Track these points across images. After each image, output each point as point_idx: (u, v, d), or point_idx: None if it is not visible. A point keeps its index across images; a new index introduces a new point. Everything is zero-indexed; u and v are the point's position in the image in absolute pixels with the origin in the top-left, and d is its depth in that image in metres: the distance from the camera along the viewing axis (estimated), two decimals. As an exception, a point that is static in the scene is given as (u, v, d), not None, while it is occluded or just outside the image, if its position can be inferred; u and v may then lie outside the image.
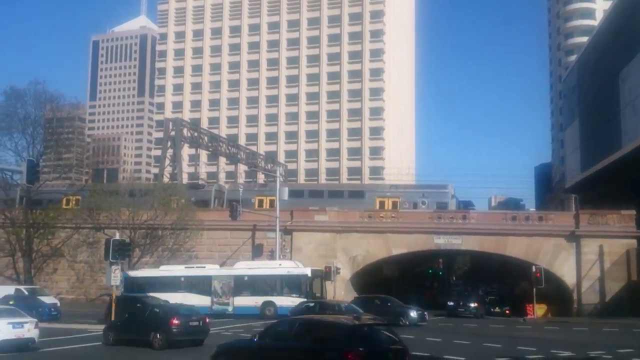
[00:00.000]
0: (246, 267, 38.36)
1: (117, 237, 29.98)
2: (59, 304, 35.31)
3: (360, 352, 11.95)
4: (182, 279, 38.07)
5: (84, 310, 38.57)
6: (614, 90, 52.01)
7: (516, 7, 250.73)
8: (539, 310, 39.60)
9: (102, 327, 24.30)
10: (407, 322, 31.71)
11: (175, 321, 21.23)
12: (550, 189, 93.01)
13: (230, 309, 36.68)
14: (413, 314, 32.89)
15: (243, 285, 37.17)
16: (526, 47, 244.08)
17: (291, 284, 36.20)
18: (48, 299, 35.32)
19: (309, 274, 36.06)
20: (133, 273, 39.01)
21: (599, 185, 55.47)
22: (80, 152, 67.37)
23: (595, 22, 75.82)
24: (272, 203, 51.27)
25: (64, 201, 48.34)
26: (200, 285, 37.78)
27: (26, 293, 34.83)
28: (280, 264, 38.30)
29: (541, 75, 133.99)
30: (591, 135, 59.58)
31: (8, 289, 34.44)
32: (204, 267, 39.70)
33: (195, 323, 22.27)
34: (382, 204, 51.73)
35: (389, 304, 34.03)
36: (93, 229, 42.05)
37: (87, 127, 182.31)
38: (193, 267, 39.76)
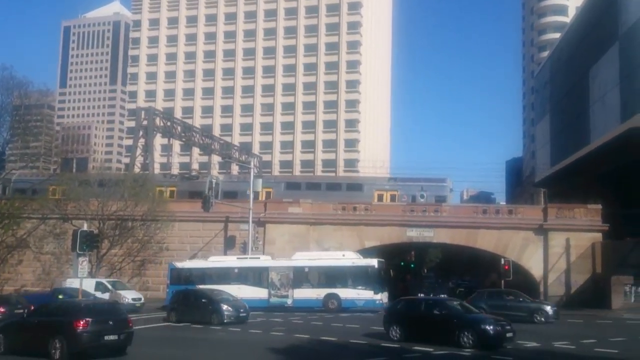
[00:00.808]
0: (306, 258, 36.95)
1: (85, 228, 29.43)
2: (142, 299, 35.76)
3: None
4: (236, 270, 36.61)
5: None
6: (584, 86, 52.93)
7: (492, 3, 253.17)
8: (507, 302, 40.16)
9: None
10: (543, 319, 29.02)
11: None
12: (520, 183, 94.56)
13: (289, 301, 35.43)
14: (549, 309, 29.93)
15: (303, 276, 35.80)
16: (502, 42, 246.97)
17: (356, 275, 34.66)
18: (129, 293, 35.64)
19: (376, 265, 34.62)
20: (180, 264, 37.95)
21: (568, 179, 56.58)
22: (49, 140, 65.62)
23: (568, 19, 77.02)
24: (268, 195, 51.32)
25: (50, 191, 47.42)
26: (255, 277, 36.34)
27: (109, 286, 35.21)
28: (343, 255, 36.54)
29: (515, 71, 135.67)
30: (561, 131, 60.63)
31: (90, 282, 33.21)
32: (259, 257, 38.49)
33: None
34: (380, 197, 50.97)
35: (520, 300, 30.87)
36: (60, 220, 41.20)
37: (56, 115, 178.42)
38: (246, 258, 38.46)
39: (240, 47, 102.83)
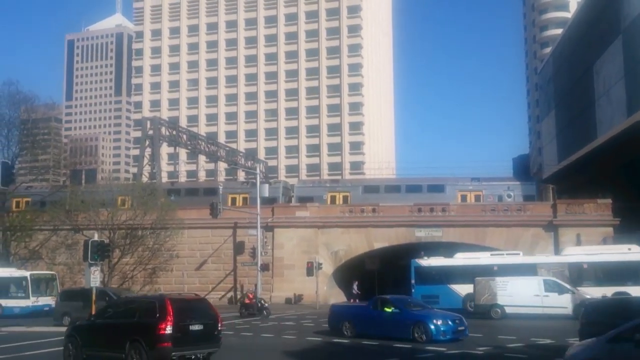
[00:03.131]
0: (582, 253, 33.58)
1: (96, 238, 29.64)
2: None
3: None
4: (495, 268, 33.22)
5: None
6: (588, 81, 52.83)
7: (493, 0, 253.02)
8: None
9: None
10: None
11: None
12: (528, 180, 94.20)
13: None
14: None
15: (582, 274, 32.23)
16: (503, 40, 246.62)
17: None
18: None
19: None
20: (425, 262, 35.92)
21: (576, 175, 56.40)
22: (57, 153, 66.24)
23: (569, 15, 76.90)
24: (345, 199, 50.12)
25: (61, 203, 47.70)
26: (517, 274, 32.28)
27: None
28: (629, 249, 32.78)
29: (518, 68, 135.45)
30: (567, 126, 60.49)
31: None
32: (518, 253, 35.46)
33: None
34: (463, 197, 48.82)
35: None
36: (71, 231, 41.52)
37: (63, 127, 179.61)
38: (502, 254, 35.37)
39: (242, 54, 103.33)
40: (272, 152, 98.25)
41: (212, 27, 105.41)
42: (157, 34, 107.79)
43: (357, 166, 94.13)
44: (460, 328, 20.90)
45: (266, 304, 35.13)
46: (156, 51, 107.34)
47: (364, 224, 44.35)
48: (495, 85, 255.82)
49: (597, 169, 52.61)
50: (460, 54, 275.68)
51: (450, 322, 20.79)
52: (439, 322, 20.54)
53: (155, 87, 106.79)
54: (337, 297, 44.82)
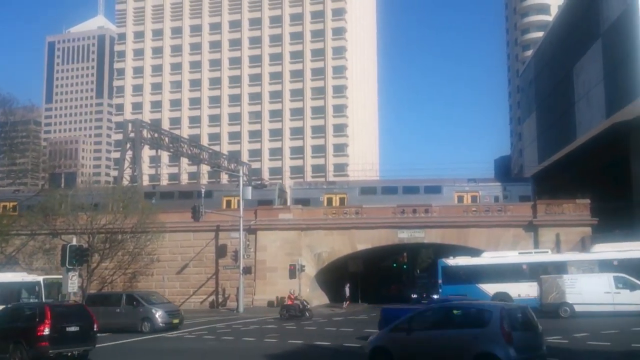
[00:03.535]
0: (612, 250, 32.25)
1: (74, 242, 29.20)
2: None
3: None
4: (524, 266, 33.07)
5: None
6: (568, 83, 53.48)
7: (475, 4, 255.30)
8: (501, 299, 40.22)
9: None
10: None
11: None
12: (509, 181, 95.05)
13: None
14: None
15: (612, 271, 30.64)
16: (486, 42, 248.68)
17: None
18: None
19: None
20: (452, 262, 35.18)
21: (555, 175, 57.05)
22: (36, 156, 65.23)
23: (550, 18, 77.82)
24: (342, 201, 49.51)
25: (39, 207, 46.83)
26: (546, 273, 31.63)
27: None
28: None
29: (501, 70, 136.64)
30: (548, 128, 61.14)
31: None
32: (547, 251, 35.38)
33: None
34: (460, 198, 48.60)
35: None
36: (49, 235, 40.86)
37: (43, 130, 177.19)
38: (530, 253, 35.17)
39: (225, 56, 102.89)
40: (255, 154, 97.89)
41: (196, 29, 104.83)
42: (139, 35, 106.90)
43: (340, 168, 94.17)
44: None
45: (307, 305, 34.47)
46: (139, 53, 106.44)
47: (347, 226, 44.28)
48: (478, 88, 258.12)
49: (576, 170, 53.25)
50: (443, 56, 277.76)
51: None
52: None
53: (138, 89, 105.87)
54: (320, 299, 44.72)
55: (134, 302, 28.87)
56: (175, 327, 28.70)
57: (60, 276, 34.99)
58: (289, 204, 50.09)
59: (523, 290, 31.24)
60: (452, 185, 49.51)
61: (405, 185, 50.24)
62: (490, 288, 32.97)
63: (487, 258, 35.06)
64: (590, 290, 28.81)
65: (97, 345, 19.72)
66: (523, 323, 14.79)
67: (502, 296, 31.53)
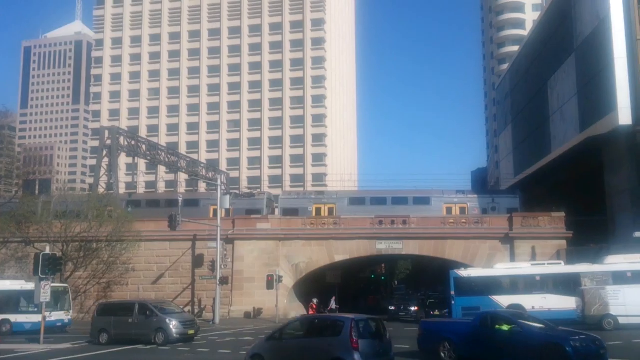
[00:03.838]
0: (625, 262, 31.75)
1: (48, 251, 28.66)
2: None
3: None
4: (538, 277, 32.70)
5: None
6: (543, 97, 54.37)
7: (453, 16, 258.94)
8: (477, 311, 40.45)
9: None
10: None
11: None
12: (497, 193, 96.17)
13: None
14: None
15: (626, 282, 30.26)
16: (465, 54, 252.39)
17: None
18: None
19: None
20: (464, 273, 34.42)
21: (531, 188, 57.80)
22: (10, 162, 63.99)
23: (525, 32, 79.27)
24: (330, 211, 49.28)
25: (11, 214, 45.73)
26: (560, 285, 31.56)
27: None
28: None
29: (478, 83, 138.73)
30: (523, 141, 62.01)
31: None
32: (560, 263, 34.97)
33: None
34: (449, 210, 48.68)
35: None
36: (22, 243, 40.01)
37: (17, 136, 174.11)
38: (544, 264, 34.68)
39: (204, 64, 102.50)
40: (234, 163, 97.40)
41: (175, 37, 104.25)
42: (117, 42, 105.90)
43: (319, 178, 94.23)
44: (601, 351, 17.53)
45: None
46: (116, 59, 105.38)
47: (325, 237, 44.22)
48: (457, 99, 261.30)
49: (551, 183, 54.06)
50: (422, 67, 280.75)
51: (591, 344, 17.50)
52: (577, 345, 17.13)
53: (115, 95, 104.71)
54: (298, 310, 44.44)
55: (147, 312, 27.39)
56: (191, 338, 27.39)
57: (59, 284, 34.47)
58: (277, 213, 49.74)
59: (537, 302, 30.86)
60: (440, 197, 49.60)
61: (394, 196, 50.28)
62: (503, 300, 32.45)
63: (500, 269, 34.85)
64: (634, 302, 28.28)
65: None
66: (372, 333, 17.34)
67: (516, 308, 30.39)
